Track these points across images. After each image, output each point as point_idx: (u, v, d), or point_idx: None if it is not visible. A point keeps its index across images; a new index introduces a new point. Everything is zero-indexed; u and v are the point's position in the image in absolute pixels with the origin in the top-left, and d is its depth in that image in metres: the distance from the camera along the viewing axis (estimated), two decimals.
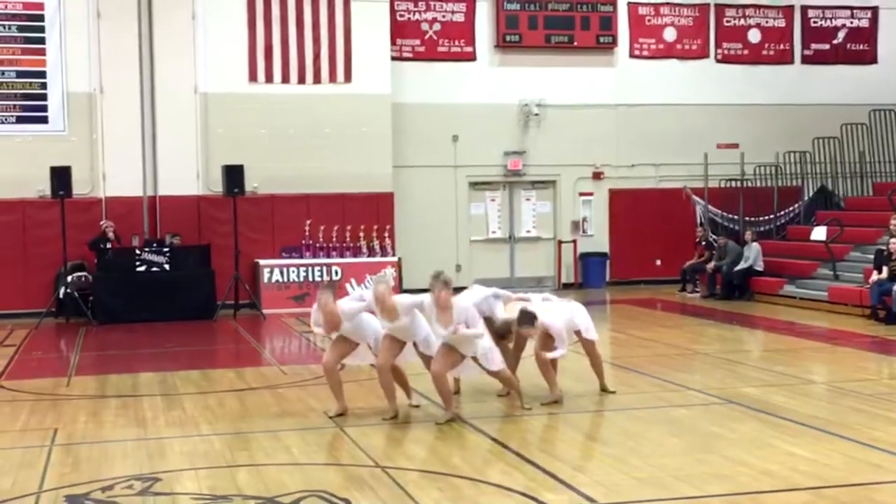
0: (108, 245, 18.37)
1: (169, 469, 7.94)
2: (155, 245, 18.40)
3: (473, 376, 9.92)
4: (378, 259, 19.52)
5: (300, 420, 9.65)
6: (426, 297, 9.31)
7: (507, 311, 10.11)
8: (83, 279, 18.22)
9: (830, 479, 7.32)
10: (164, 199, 19.38)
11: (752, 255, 19.89)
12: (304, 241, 19.67)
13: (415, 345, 9.64)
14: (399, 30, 21.16)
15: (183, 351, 14.94)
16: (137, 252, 18.18)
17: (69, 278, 17.98)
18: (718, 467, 7.68)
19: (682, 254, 21.44)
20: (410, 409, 9.85)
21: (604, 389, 10.61)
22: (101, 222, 18.68)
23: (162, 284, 17.92)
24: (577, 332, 10.40)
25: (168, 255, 18.17)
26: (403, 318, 9.31)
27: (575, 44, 22.05)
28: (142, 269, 17.99)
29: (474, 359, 9.53)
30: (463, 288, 10.46)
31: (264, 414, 10.02)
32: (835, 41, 23.46)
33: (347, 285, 18.64)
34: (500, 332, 9.74)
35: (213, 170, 19.28)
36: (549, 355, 9.97)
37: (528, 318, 9.73)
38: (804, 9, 23.31)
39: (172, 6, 19.35)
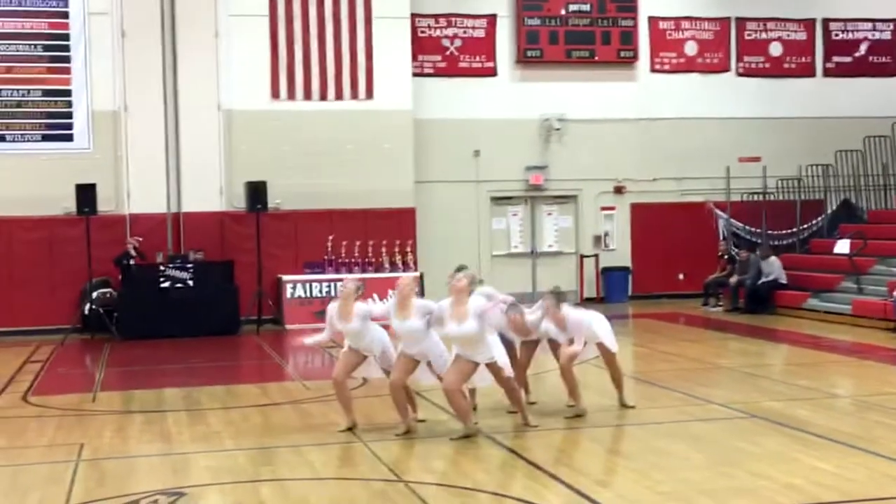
0: (133, 261, 18.51)
1: (193, 484, 7.99)
2: (179, 261, 18.51)
3: (486, 384, 9.72)
4: (400, 274, 19.44)
5: (323, 435, 9.68)
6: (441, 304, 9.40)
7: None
8: (108, 295, 18.34)
9: (854, 494, 7.30)
10: (187, 216, 19.50)
11: (774, 269, 19.81)
12: (326, 257, 19.71)
13: (429, 364, 9.62)
14: (420, 46, 21.25)
15: (207, 366, 15.02)
16: (161, 268, 18.31)
17: (94, 294, 18.11)
18: (742, 481, 7.66)
19: (705, 268, 21.34)
20: (434, 424, 9.86)
21: (623, 404, 10.57)
22: (126, 239, 18.83)
23: (186, 300, 18.00)
24: (599, 344, 10.40)
25: (192, 271, 18.28)
26: (416, 321, 9.32)
27: (596, 58, 22.07)
28: (166, 285, 18.11)
29: (489, 366, 9.43)
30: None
31: (288, 429, 10.06)
32: (857, 54, 23.37)
33: (370, 300, 18.59)
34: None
35: (237, 186, 19.40)
36: (570, 349, 9.95)
37: (516, 307, 9.82)
38: (826, 21, 23.25)
39: (195, 24, 19.49)
